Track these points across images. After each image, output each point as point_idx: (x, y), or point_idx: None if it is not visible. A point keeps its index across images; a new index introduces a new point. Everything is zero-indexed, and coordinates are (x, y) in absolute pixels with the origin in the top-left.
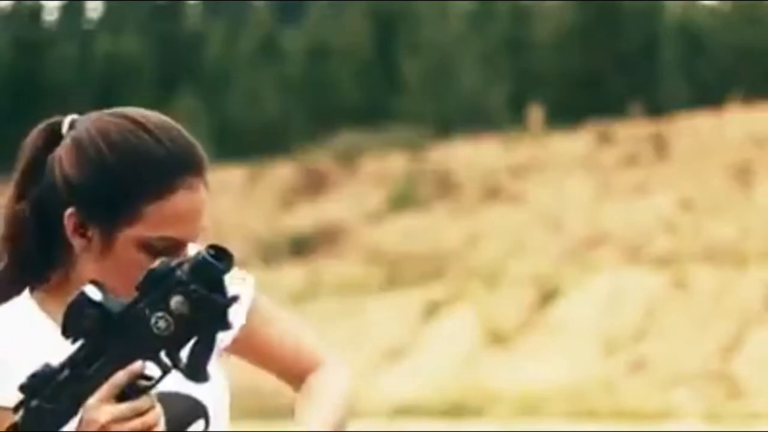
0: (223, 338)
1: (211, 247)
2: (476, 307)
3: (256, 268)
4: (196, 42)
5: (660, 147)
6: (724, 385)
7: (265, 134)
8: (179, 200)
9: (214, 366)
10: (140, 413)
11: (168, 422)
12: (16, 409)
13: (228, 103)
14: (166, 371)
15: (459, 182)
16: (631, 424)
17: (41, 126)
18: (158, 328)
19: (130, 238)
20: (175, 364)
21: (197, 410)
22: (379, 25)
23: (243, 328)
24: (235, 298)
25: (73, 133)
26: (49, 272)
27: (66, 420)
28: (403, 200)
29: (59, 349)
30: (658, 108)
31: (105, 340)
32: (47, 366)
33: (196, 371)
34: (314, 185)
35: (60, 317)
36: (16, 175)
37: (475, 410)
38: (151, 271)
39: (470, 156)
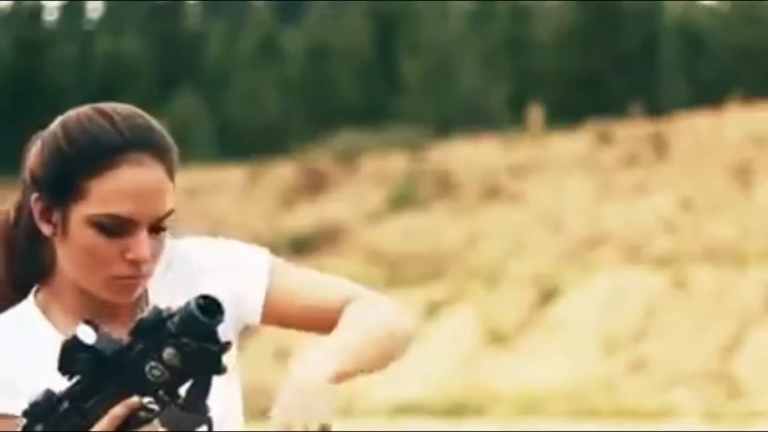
0: (247, 314)
1: (202, 297)
2: (476, 306)
3: None
4: (196, 42)
5: (660, 147)
6: (724, 384)
7: (265, 134)
8: (122, 176)
9: (230, 361)
10: None
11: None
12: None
13: (228, 103)
14: (164, 405)
15: (459, 182)
16: (631, 423)
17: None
18: (153, 376)
19: (80, 216)
20: (173, 400)
21: (201, 421)
22: (378, 25)
23: (266, 303)
24: (228, 344)
25: (42, 134)
26: (44, 270)
27: None
28: (403, 200)
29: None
30: (657, 108)
31: (99, 379)
32: (49, 393)
33: (195, 406)
34: (314, 185)
35: (61, 323)
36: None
37: (475, 410)
38: (141, 321)
39: (470, 156)
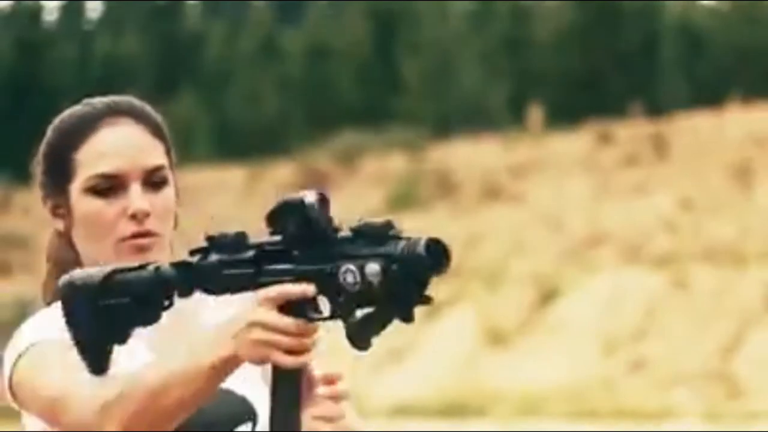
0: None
1: (435, 241)
2: (476, 306)
3: None
4: (195, 42)
5: (660, 147)
6: (724, 384)
7: (264, 134)
8: (102, 136)
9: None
10: (299, 334)
11: (217, 419)
12: (194, 252)
13: (228, 103)
14: (334, 316)
15: (459, 182)
16: (631, 423)
17: None
18: (344, 279)
19: (77, 190)
20: (345, 317)
21: (247, 411)
22: (378, 25)
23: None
24: (429, 299)
25: None
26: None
27: (224, 292)
28: (403, 200)
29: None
30: (657, 108)
31: (296, 249)
32: (243, 235)
33: (362, 336)
34: (314, 185)
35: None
36: None
37: (475, 410)
38: (368, 225)
39: (470, 156)
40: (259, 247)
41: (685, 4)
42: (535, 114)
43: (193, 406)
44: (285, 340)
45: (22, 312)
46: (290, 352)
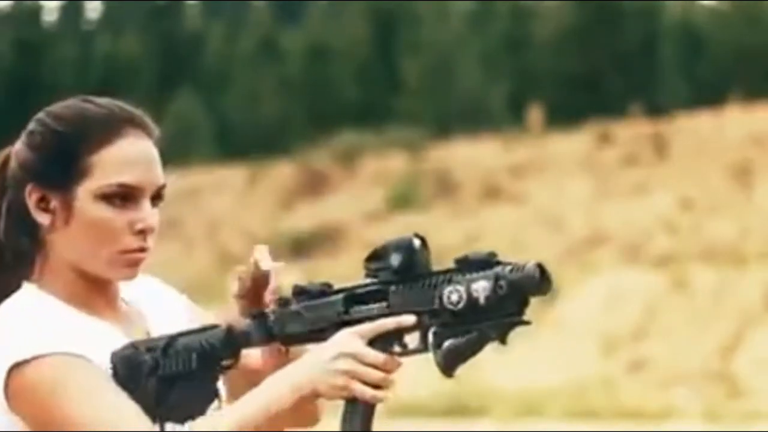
0: None
1: (541, 265)
2: None
3: None
4: (195, 42)
5: (660, 147)
6: (724, 384)
7: (264, 134)
8: (124, 146)
9: None
10: (385, 368)
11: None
12: (280, 301)
13: (227, 104)
14: (422, 350)
15: (459, 182)
16: (631, 423)
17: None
18: (449, 299)
19: (87, 192)
20: (437, 345)
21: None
22: (378, 25)
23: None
24: (527, 323)
25: (26, 130)
26: (30, 267)
27: (308, 337)
28: (402, 200)
29: (95, 328)
30: (657, 108)
31: (392, 288)
32: (326, 285)
33: (450, 364)
34: (314, 185)
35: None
36: None
37: (474, 410)
38: (475, 254)
39: (470, 156)
40: (349, 290)
41: (685, 4)
42: (535, 114)
43: None
44: (372, 373)
45: None
46: (372, 386)
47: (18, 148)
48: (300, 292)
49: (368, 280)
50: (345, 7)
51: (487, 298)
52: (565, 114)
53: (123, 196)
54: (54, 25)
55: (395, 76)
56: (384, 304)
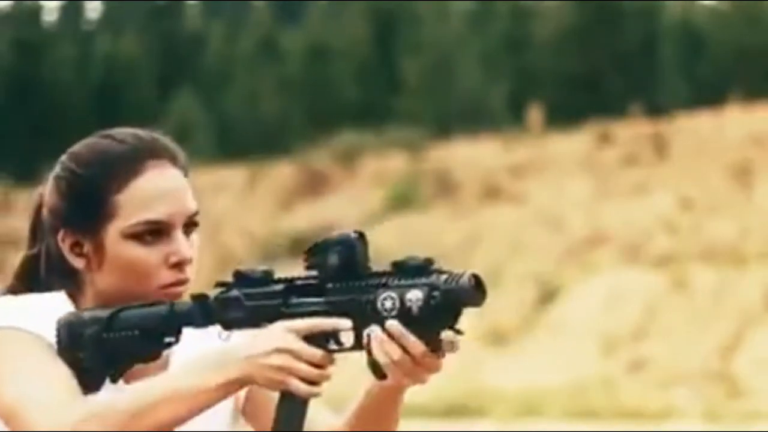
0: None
1: (476, 276)
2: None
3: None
4: (195, 42)
5: (660, 147)
6: (724, 384)
7: (264, 134)
8: (147, 181)
9: None
10: (320, 364)
11: None
12: (218, 285)
13: (227, 103)
14: (356, 348)
15: (459, 182)
16: (631, 423)
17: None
18: (383, 306)
19: (116, 233)
20: (370, 350)
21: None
22: (378, 25)
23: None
24: (460, 332)
25: (52, 174)
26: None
27: (247, 324)
28: (402, 200)
29: None
30: (657, 108)
31: (331, 284)
32: (269, 272)
33: (381, 366)
34: (314, 185)
35: None
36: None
37: (475, 410)
38: (407, 259)
39: (470, 156)
40: (288, 281)
41: (685, 4)
42: (535, 114)
43: (185, 421)
44: (306, 369)
45: None
46: (308, 381)
47: (47, 192)
48: (241, 277)
49: (307, 273)
50: (345, 7)
51: (420, 309)
52: (565, 114)
53: (153, 232)
54: (54, 25)
55: (395, 76)
56: (321, 299)
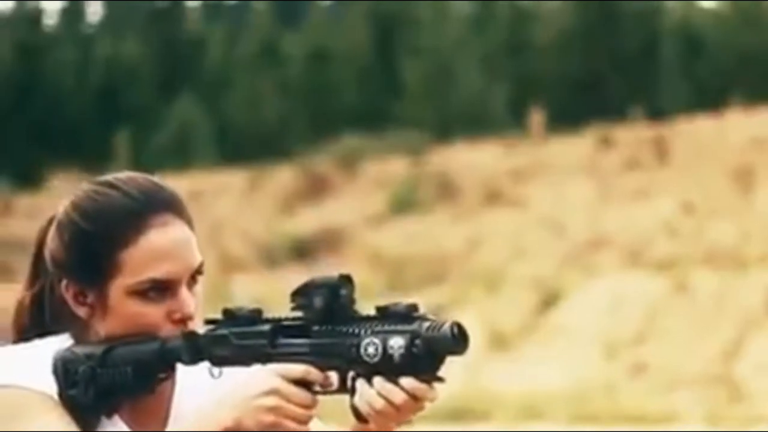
0: None
1: (458, 325)
2: (477, 311)
3: (257, 272)
4: (196, 46)
5: (661, 151)
6: (726, 388)
7: (265, 138)
8: (151, 239)
9: None
10: (305, 405)
11: None
12: (208, 322)
13: (228, 107)
14: (341, 391)
15: (460, 186)
16: (633, 427)
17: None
18: (366, 352)
19: (120, 289)
20: (354, 390)
21: None
22: (379, 28)
23: None
24: (441, 380)
25: (56, 217)
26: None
27: (234, 363)
28: (404, 204)
29: None
30: (658, 111)
31: (315, 327)
32: (257, 311)
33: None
34: (315, 189)
35: None
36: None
37: (477, 414)
38: (391, 305)
39: (471, 160)
40: (276, 321)
41: (686, 7)
42: (536, 118)
43: None
44: (298, 411)
45: None
46: (297, 422)
47: (49, 237)
48: (230, 316)
49: (294, 314)
50: (346, 11)
51: (402, 356)
52: (566, 118)
53: (158, 289)
54: (54, 28)
55: (396, 79)
56: (307, 341)
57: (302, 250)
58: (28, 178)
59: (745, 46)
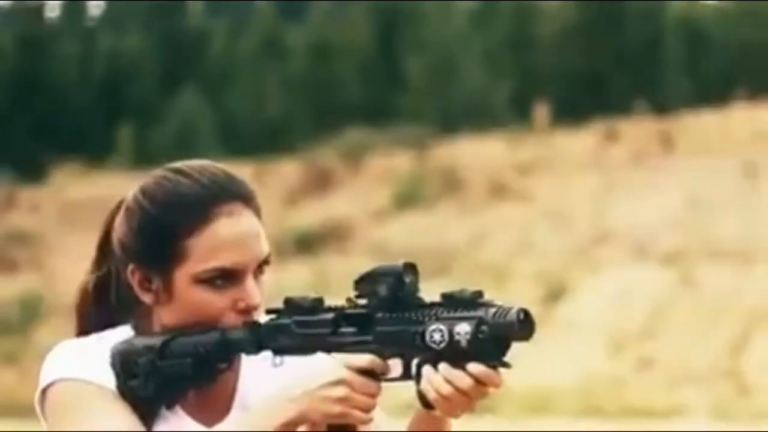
0: None
1: (525, 311)
2: None
3: None
4: (199, 39)
5: (666, 144)
6: (732, 382)
7: (269, 132)
8: (219, 228)
9: None
10: (371, 395)
11: None
12: (269, 312)
13: (231, 101)
14: (404, 378)
15: (465, 180)
16: (639, 421)
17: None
18: (432, 338)
19: (186, 276)
20: (419, 376)
21: None
22: (382, 22)
23: None
24: (507, 365)
25: (125, 203)
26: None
27: (297, 351)
28: (408, 198)
29: None
30: (663, 105)
31: (379, 314)
32: (318, 300)
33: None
34: (320, 183)
35: None
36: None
37: (483, 408)
38: (456, 292)
39: (476, 154)
40: (338, 310)
41: (689, 1)
42: (541, 112)
43: None
44: (365, 400)
45: (26, 309)
46: (363, 410)
47: (117, 221)
48: (292, 305)
49: (359, 302)
50: (349, 5)
51: (468, 342)
52: (571, 112)
53: (224, 277)
54: (56, 21)
55: (399, 74)
56: (370, 329)
57: (307, 244)
58: (31, 172)
59: (749, 40)
